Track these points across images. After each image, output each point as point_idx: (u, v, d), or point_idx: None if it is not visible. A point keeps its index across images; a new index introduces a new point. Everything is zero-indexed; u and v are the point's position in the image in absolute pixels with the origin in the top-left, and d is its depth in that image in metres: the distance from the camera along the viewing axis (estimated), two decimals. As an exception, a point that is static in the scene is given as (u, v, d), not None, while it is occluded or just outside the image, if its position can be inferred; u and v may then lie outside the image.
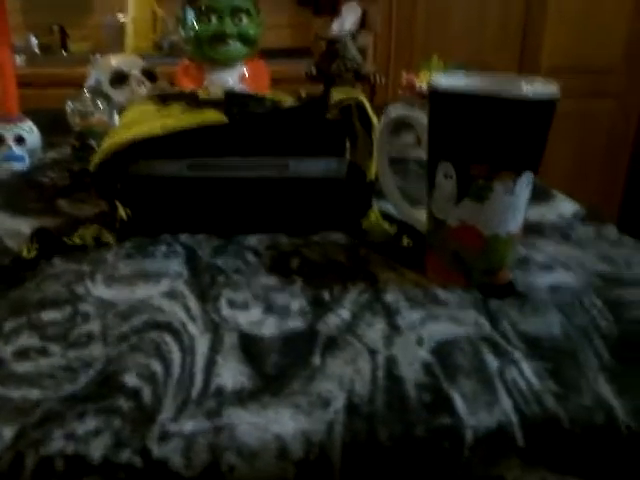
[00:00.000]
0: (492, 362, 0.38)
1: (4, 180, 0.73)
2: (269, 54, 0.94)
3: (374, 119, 0.53)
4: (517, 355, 0.38)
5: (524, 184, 0.43)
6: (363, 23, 1.99)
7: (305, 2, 2.47)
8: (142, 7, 2.27)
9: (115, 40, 2.26)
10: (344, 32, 0.87)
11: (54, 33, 2.48)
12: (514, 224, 0.45)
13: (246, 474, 0.31)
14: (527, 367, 0.37)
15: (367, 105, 0.53)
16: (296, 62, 1.75)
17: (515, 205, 0.44)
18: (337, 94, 0.54)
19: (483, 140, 0.41)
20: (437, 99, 0.43)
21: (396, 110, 0.48)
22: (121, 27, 2.30)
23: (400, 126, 0.51)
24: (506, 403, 0.34)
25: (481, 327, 0.41)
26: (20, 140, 0.77)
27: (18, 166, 0.77)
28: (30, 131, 0.79)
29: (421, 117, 0.46)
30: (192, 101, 0.54)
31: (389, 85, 1.61)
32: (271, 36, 2.33)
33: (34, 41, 2.45)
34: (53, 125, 0.90)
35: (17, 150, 0.77)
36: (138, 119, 0.53)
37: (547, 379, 0.36)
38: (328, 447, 0.31)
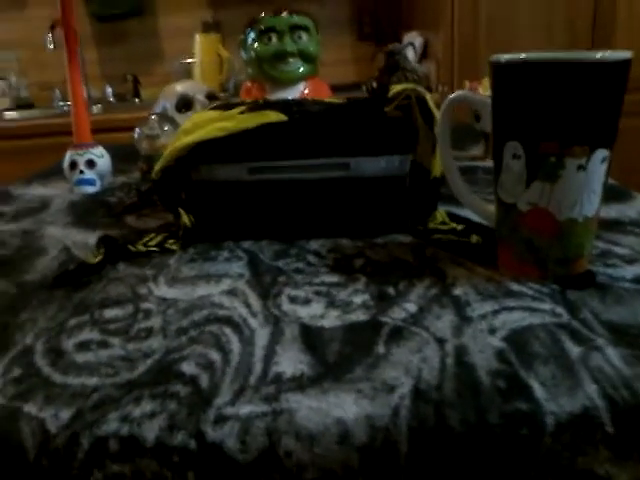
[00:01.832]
0: (572, 349, 0.34)
1: (76, 201, 0.75)
2: (333, 89, 0.94)
3: (436, 112, 0.52)
4: (601, 342, 0.35)
5: (598, 161, 0.40)
6: (425, 53, 1.99)
7: (366, 37, 2.50)
8: (208, 50, 2.36)
9: (185, 84, 2.35)
10: (403, 45, 0.86)
11: (128, 82, 2.61)
12: (590, 207, 0.42)
13: (305, 460, 0.29)
14: (613, 353, 0.34)
15: (428, 98, 0.52)
16: (358, 94, 1.76)
17: (590, 184, 0.41)
18: (396, 86, 0.53)
19: (552, 113, 0.39)
20: (500, 73, 0.41)
21: (454, 94, 0.46)
22: (189, 71, 2.39)
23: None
24: (591, 388, 0.31)
25: (559, 316, 0.38)
26: (91, 164, 0.80)
27: (90, 189, 0.79)
28: (101, 156, 0.81)
29: (483, 98, 0.44)
30: (251, 104, 0.54)
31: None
32: (335, 72, 2.37)
33: (109, 91, 2.58)
34: (124, 155, 0.93)
35: (88, 174, 0.79)
36: (198, 125, 0.53)
37: (637, 366, 0.33)
38: (394, 432, 0.29)
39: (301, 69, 0.86)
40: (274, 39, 0.84)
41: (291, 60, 0.85)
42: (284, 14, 0.84)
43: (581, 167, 0.40)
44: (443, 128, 0.47)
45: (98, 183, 0.81)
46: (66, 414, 0.31)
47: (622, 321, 0.37)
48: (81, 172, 0.79)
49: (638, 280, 0.43)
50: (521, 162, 0.41)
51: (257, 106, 0.54)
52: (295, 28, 0.84)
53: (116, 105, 2.49)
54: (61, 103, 2.57)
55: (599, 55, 0.38)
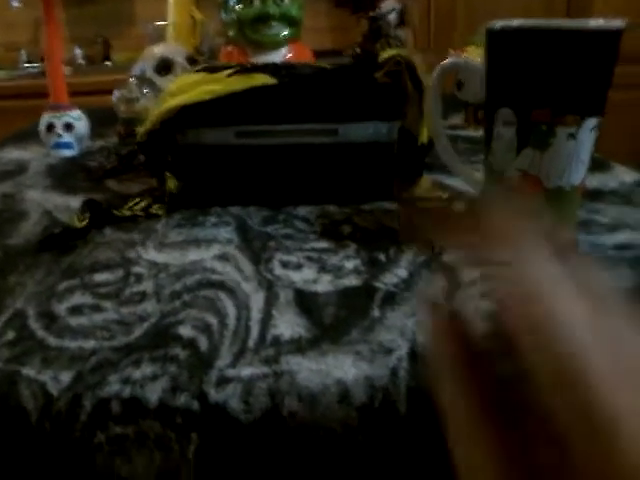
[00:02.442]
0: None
1: (54, 164, 0.74)
2: (314, 55, 0.93)
3: (424, 79, 0.52)
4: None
5: (588, 130, 0.41)
6: (402, 20, 1.97)
7: (343, 3, 2.47)
8: (181, 13, 2.30)
9: (157, 47, 2.30)
10: (387, 10, 0.86)
11: (98, 45, 2.54)
12: (577, 175, 0.42)
13: (307, 419, 0.29)
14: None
15: (417, 65, 0.52)
16: (338, 62, 1.74)
17: (579, 153, 0.41)
18: (386, 52, 0.52)
19: (545, 80, 0.39)
20: (494, 39, 0.41)
21: (446, 60, 0.46)
22: (162, 34, 2.33)
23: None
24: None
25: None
26: (69, 127, 0.78)
27: (67, 152, 0.78)
28: (79, 119, 0.79)
29: (476, 65, 0.45)
30: (239, 67, 0.53)
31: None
32: (311, 39, 2.33)
33: (79, 53, 2.51)
34: (100, 118, 0.91)
35: (66, 137, 0.78)
36: (185, 87, 0.52)
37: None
38: (392, 392, 0.30)
39: (284, 33, 0.85)
40: (256, 1, 0.82)
41: (274, 23, 0.84)
42: (267, -24, 0.83)
43: (571, 135, 0.40)
44: (435, 95, 0.47)
45: (76, 146, 0.79)
46: (66, 377, 0.31)
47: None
48: (59, 135, 0.77)
49: (619, 247, 0.44)
50: (512, 129, 0.41)
51: (246, 69, 0.53)
52: (278, -9, 0.82)
53: (86, 68, 2.43)
54: (27, 65, 2.49)
55: (593, 23, 0.39)
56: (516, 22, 0.42)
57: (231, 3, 0.83)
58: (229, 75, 0.52)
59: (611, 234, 0.47)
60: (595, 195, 0.55)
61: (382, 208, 0.54)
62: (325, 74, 0.53)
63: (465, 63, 0.46)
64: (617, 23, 0.39)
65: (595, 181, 0.59)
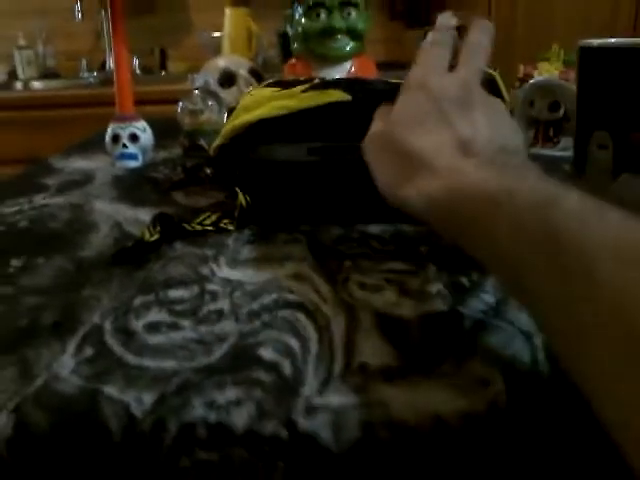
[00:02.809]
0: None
1: (120, 175, 0.74)
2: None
3: (506, 95, 0.50)
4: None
5: (692, 154, 0.38)
6: (459, 34, 1.95)
7: (398, 16, 2.46)
8: (238, 25, 2.32)
9: (211, 58, 2.33)
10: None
11: (154, 54, 2.59)
12: (677, 201, 0.40)
13: (401, 451, 0.28)
14: None
15: (499, 79, 0.50)
16: (391, 76, 1.73)
17: (682, 179, 0.39)
18: None
19: (648, 103, 0.37)
20: (590, 57, 0.39)
21: (538, 77, 0.44)
22: (217, 45, 2.36)
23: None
24: None
25: None
26: (134, 138, 0.79)
27: (132, 163, 0.78)
28: (144, 130, 0.80)
29: (566, 84, 0.43)
30: (313, 83, 0.52)
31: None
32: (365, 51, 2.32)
33: (136, 62, 2.56)
34: (163, 129, 0.91)
35: (131, 148, 0.78)
36: (258, 102, 0.52)
37: None
38: (491, 426, 0.28)
39: (349, 46, 0.84)
40: (322, 15, 0.82)
41: (339, 37, 0.83)
42: (334, -11, 0.82)
43: (674, 160, 0.38)
44: (522, 112, 0.46)
45: (140, 158, 0.79)
46: (149, 398, 0.30)
47: None
48: (124, 146, 0.78)
49: None
50: (608, 153, 0.39)
51: (320, 84, 0.52)
52: (344, 4, 0.82)
53: (142, 77, 2.47)
54: (86, 74, 2.56)
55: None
56: (613, 40, 0.40)
57: (297, 16, 0.83)
58: (303, 91, 0.51)
59: None
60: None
61: (458, 229, 0.52)
62: (400, 90, 0.51)
63: (554, 82, 0.44)
64: None
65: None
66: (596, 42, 0.39)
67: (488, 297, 0.39)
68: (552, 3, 1.81)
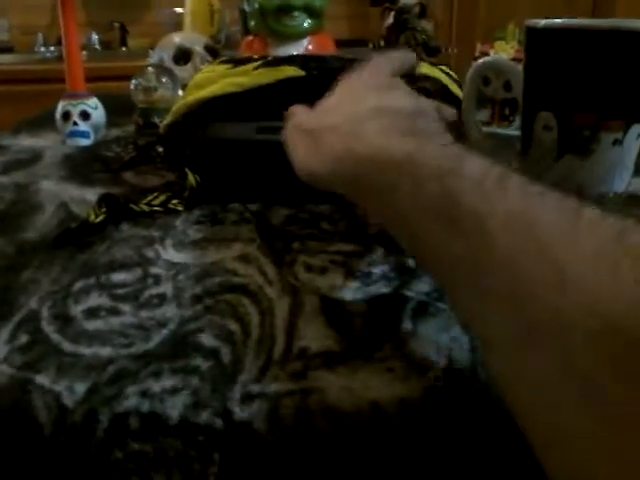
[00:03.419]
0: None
1: (69, 154, 0.72)
2: (336, 45, 0.91)
3: (459, 92, 0.50)
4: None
5: (634, 136, 0.39)
6: (423, 12, 1.94)
7: (362, -7, 2.44)
8: (199, 0, 2.28)
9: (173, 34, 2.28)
10: (412, 3, 0.83)
11: (114, 30, 2.52)
12: (620, 182, 0.40)
13: (337, 440, 0.27)
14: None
15: (454, 87, 0.50)
16: (355, 52, 1.72)
17: (623, 161, 0.39)
18: (425, 68, 0.50)
19: (590, 83, 0.37)
20: (537, 39, 0.39)
21: (485, 58, 0.44)
22: (179, 22, 2.31)
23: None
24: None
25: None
26: (85, 116, 0.76)
27: (83, 141, 0.76)
28: (95, 107, 0.78)
29: (514, 65, 0.42)
30: (267, 59, 0.51)
31: (452, 64, 1.55)
32: (328, 27, 2.30)
33: (95, 38, 2.49)
34: (116, 107, 0.89)
35: (82, 126, 0.76)
36: (211, 79, 0.50)
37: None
38: (427, 413, 0.28)
39: (306, 24, 0.83)
40: (279, -9, 0.80)
41: (296, 14, 0.81)
42: (291, -36, 0.80)
43: (617, 142, 0.38)
44: (470, 95, 0.45)
45: (92, 135, 0.77)
46: (82, 387, 0.29)
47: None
48: (75, 124, 0.76)
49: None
50: (553, 134, 0.39)
51: (273, 61, 0.51)
52: (302, -20, 0.80)
53: (102, 53, 2.42)
54: (43, 49, 2.48)
55: (644, 24, 0.36)
56: (560, 21, 0.40)
57: (254, -8, 0.81)
58: (256, 67, 0.50)
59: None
60: (633, 200, 0.53)
61: (409, 210, 0.52)
62: (355, 66, 0.51)
63: (502, 62, 0.44)
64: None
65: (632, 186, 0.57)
66: (541, 22, 0.39)
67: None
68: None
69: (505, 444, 0.28)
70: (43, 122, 0.89)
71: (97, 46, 2.49)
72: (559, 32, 0.38)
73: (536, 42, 0.40)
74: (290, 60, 0.51)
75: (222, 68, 0.53)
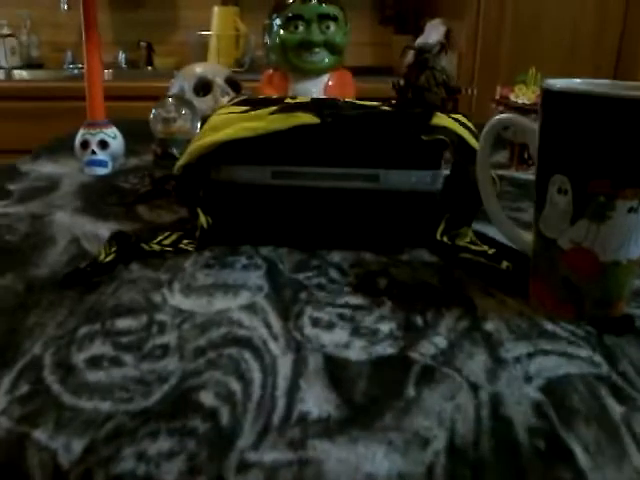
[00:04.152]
0: (614, 407, 0.32)
1: (86, 183, 0.73)
2: (352, 72, 0.91)
3: (475, 143, 0.50)
4: (644, 401, 0.33)
5: (651, 204, 0.38)
6: (444, 51, 1.94)
7: (387, 21, 2.45)
8: (226, 24, 2.31)
9: (198, 56, 2.30)
10: (434, 42, 0.83)
11: (141, 49, 2.56)
12: (636, 249, 0.39)
13: (332, 517, 0.27)
14: (658, 416, 0.32)
15: (469, 138, 0.50)
16: (377, 81, 1.73)
17: (639, 227, 0.38)
18: (439, 118, 0.50)
19: (606, 151, 0.37)
20: (552, 101, 0.38)
21: (500, 116, 0.43)
22: (205, 43, 2.34)
23: (493, 144, 0.47)
24: (638, 459, 0.29)
25: (597, 366, 0.36)
26: (104, 145, 0.77)
27: (101, 170, 0.77)
28: (114, 137, 0.79)
29: (529, 122, 0.42)
30: (282, 104, 0.51)
31: (472, 103, 1.55)
32: (352, 54, 2.31)
33: (122, 57, 2.53)
34: (137, 133, 0.90)
35: (100, 155, 0.77)
36: (226, 122, 0.51)
37: (683, 433, 0.31)
38: (427, 494, 0.27)
39: (326, 60, 0.84)
40: (301, 27, 0.81)
41: (317, 50, 0.82)
42: (313, 1, 0.81)
43: (632, 209, 0.38)
44: (484, 148, 0.45)
45: (110, 164, 0.78)
46: (78, 446, 0.29)
47: (664, 377, 0.35)
48: (93, 152, 0.77)
49: (677, 326, 0.41)
50: (567, 198, 0.39)
51: (288, 107, 0.51)
52: (323, 17, 0.81)
53: (128, 72, 2.45)
54: (72, 66, 2.52)
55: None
56: (577, 84, 0.40)
57: (275, 28, 0.82)
58: (271, 113, 0.50)
59: (666, 309, 0.44)
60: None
61: (421, 260, 0.51)
62: (371, 117, 0.51)
63: (518, 121, 0.44)
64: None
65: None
66: (558, 84, 0.38)
67: (440, 340, 0.39)
68: (540, 26, 1.80)
69: (505, 528, 0.27)
70: (63, 147, 0.90)
71: (124, 65, 2.52)
72: (574, 97, 0.37)
73: (552, 104, 0.39)
74: (305, 107, 0.51)
75: (238, 110, 0.53)
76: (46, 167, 0.81)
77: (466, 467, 0.28)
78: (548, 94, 0.39)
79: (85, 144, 0.77)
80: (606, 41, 1.83)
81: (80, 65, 2.50)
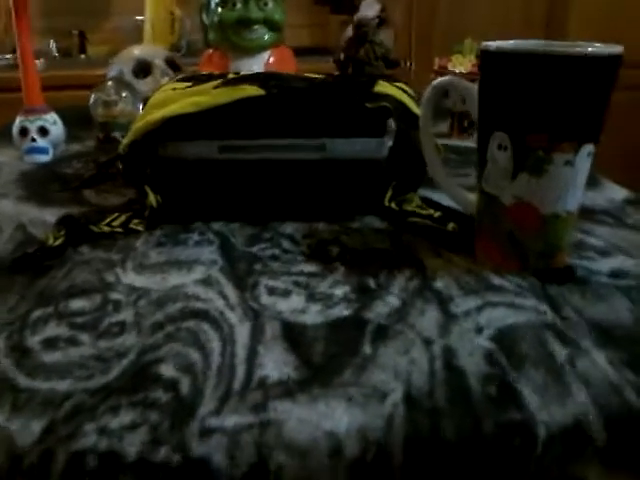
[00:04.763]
0: (560, 351, 0.34)
1: (28, 171, 0.71)
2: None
3: (417, 109, 0.51)
4: (586, 344, 0.35)
5: (585, 156, 0.40)
6: (382, 20, 1.95)
7: (322, 1, 2.44)
8: (159, 8, 2.25)
9: (133, 42, 2.23)
10: (373, 16, 0.84)
11: (73, 37, 2.48)
12: (573, 201, 0.41)
13: (296, 474, 0.28)
14: (599, 357, 0.34)
15: (411, 105, 0.50)
16: (315, 61, 1.72)
17: (575, 180, 0.40)
18: (382, 86, 0.51)
19: (542, 106, 0.38)
20: (490, 61, 0.40)
21: (440, 79, 0.44)
22: (139, 29, 2.28)
23: (434, 114, 0.48)
24: (581, 396, 0.30)
25: (542, 314, 0.38)
26: (44, 132, 0.75)
27: (42, 158, 0.75)
28: (54, 122, 0.77)
29: (468, 83, 0.43)
30: (225, 79, 0.51)
31: (410, 77, 1.56)
32: (289, 36, 2.30)
33: (53, 45, 2.45)
34: (76, 119, 0.88)
35: (41, 142, 0.75)
36: (170, 98, 0.50)
37: (624, 370, 0.32)
38: (388, 444, 0.28)
39: (266, 37, 0.83)
40: (239, 5, 0.80)
41: (256, 27, 0.81)
42: (250, -23, 0.81)
43: (568, 162, 0.39)
44: (426, 114, 0.46)
45: (51, 151, 0.76)
46: (37, 426, 0.29)
47: (605, 321, 0.37)
48: (33, 140, 0.75)
49: (614, 274, 0.43)
50: (507, 154, 0.40)
51: (233, 80, 0.51)
52: (261, -6, 0.80)
53: (61, 61, 2.37)
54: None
55: (592, 49, 0.37)
56: (512, 44, 0.41)
57: (213, 6, 0.81)
58: (216, 87, 0.50)
59: (605, 259, 0.46)
60: (585, 214, 0.54)
61: (371, 227, 0.52)
62: (315, 88, 0.51)
63: (458, 83, 0.45)
64: (616, 49, 0.38)
65: (584, 198, 0.58)
66: (494, 45, 0.39)
67: (393, 300, 0.40)
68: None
69: (465, 471, 0.29)
70: (0, 137, 0.87)
71: (55, 53, 2.44)
72: (511, 55, 0.39)
73: (489, 64, 0.40)
74: (250, 79, 0.51)
75: (181, 86, 0.53)
76: (-17, 157, 0.78)
77: (424, 416, 0.29)
78: (486, 55, 0.40)
79: (24, 131, 0.74)
80: (536, 11, 1.87)
81: (7, 55, 2.41)
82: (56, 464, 0.27)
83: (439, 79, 0.45)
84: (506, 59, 0.39)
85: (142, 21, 2.23)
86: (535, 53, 0.38)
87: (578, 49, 0.37)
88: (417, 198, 0.55)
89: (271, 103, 0.51)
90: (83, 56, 2.44)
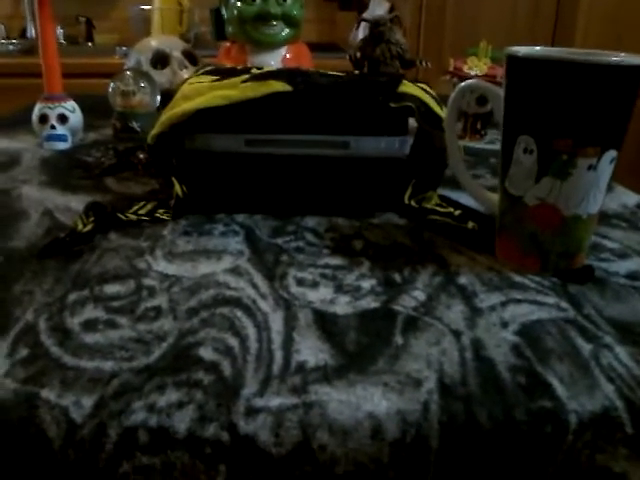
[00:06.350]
0: (584, 346, 0.36)
1: (48, 158, 0.72)
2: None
3: (441, 112, 0.52)
4: (609, 340, 0.36)
5: (608, 161, 0.41)
6: (398, 24, 1.97)
7: (332, -3, 2.45)
8: (168, -1, 2.25)
9: (141, 32, 2.24)
10: (389, 15, 0.85)
11: (80, 25, 2.48)
12: (594, 205, 0.43)
13: (338, 453, 0.29)
14: (622, 352, 0.35)
15: (434, 105, 0.52)
16: (323, 57, 1.73)
17: (597, 184, 0.42)
18: (406, 86, 0.52)
19: (569, 112, 0.39)
20: (518, 66, 0.41)
21: (468, 82, 0.46)
22: (147, 19, 2.28)
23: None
24: (608, 388, 0.32)
25: (564, 311, 0.39)
26: (63, 119, 0.76)
27: (61, 145, 0.76)
28: (73, 110, 0.78)
29: (496, 89, 0.44)
30: (252, 73, 0.52)
31: (419, 76, 1.57)
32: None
33: (60, 32, 2.45)
34: (93, 108, 0.89)
35: (60, 129, 0.76)
36: (198, 91, 0.51)
37: (645, 365, 0.34)
38: (425, 428, 0.30)
39: (284, 33, 0.84)
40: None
41: (274, 23, 0.83)
42: (270, -27, 0.82)
43: (592, 167, 0.41)
44: (451, 115, 0.47)
45: (70, 139, 0.77)
46: (88, 402, 0.30)
47: (624, 318, 0.39)
48: (52, 127, 0.75)
49: (631, 276, 0.45)
50: (533, 157, 0.41)
51: (261, 75, 0.52)
52: (281, -10, 0.81)
53: (68, 48, 2.37)
54: (4, 41, 2.42)
55: (618, 59, 0.39)
56: (539, 50, 0.42)
57: (233, 0, 0.82)
58: (244, 81, 0.51)
59: (621, 261, 0.47)
60: (600, 218, 0.55)
61: (391, 222, 0.53)
62: (341, 86, 0.52)
63: (484, 86, 0.46)
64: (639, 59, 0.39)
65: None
66: (522, 51, 0.41)
67: (419, 294, 0.41)
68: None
69: (498, 456, 0.30)
70: (17, 123, 0.88)
71: (62, 41, 2.44)
72: (539, 62, 0.40)
73: (516, 69, 0.42)
74: (276, 75, 0.52)
75: (209, 79, 0.54)
76: (2, 143, 0.79)
77: (458, 403, 0.31)
78: (513, 60, 0.41)
79: (44, 118, 0.75)
80: (544, 6, 1.88)
81: (14, 40, 2.41)
82: (109, 438, 0.28)
83: (468, 81, 0.46)
84: (535, 66, 0.40)
85: (150, 11, 2.24)
86: (564, 61, 0.39)
87: (605, 58, 0.39)
88: (436, 196, 0.56)
89: (298, 99, 0.52)
90: (90, 44, 2.44)
